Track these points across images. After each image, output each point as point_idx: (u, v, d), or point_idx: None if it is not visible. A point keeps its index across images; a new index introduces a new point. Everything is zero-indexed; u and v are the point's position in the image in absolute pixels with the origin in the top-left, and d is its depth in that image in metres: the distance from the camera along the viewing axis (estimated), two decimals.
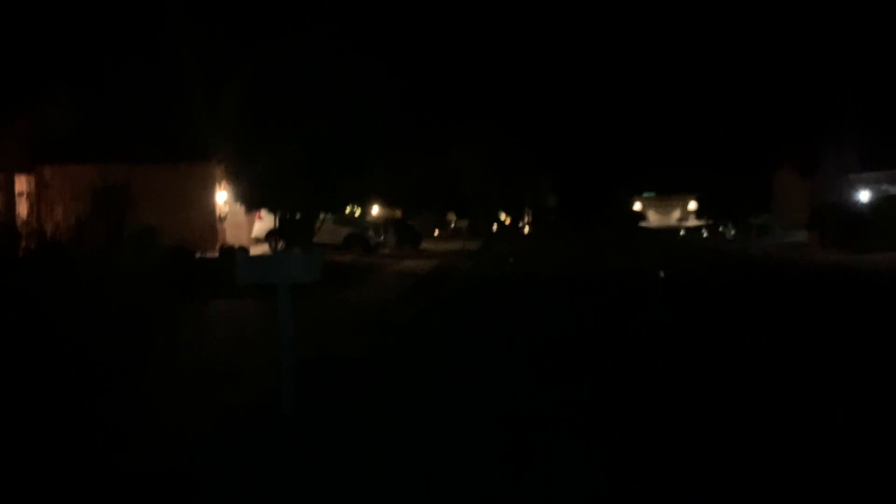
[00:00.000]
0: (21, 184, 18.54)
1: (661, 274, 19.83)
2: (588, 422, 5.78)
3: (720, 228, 43.07)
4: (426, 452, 5.08)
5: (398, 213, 42.64)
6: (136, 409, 5.82)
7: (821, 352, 8.63)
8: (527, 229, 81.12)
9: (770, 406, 6.21)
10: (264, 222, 24.75)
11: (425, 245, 33.56)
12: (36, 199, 14.99)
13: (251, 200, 18.41)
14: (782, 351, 8.73)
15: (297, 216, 19.63)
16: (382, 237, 26.92)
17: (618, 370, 7.62)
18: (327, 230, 23.81)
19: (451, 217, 57.99)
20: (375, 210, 36.07)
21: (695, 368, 7.77)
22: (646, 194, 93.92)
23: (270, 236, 24.04)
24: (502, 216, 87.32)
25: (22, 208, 11.07)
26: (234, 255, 17.34)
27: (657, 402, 6.36)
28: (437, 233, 46.45)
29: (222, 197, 24.16)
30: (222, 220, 24.82)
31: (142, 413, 5.72)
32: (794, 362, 8.07)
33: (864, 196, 30.17)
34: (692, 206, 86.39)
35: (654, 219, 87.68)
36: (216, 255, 19.72)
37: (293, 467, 4.62)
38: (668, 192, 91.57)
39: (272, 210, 19.37)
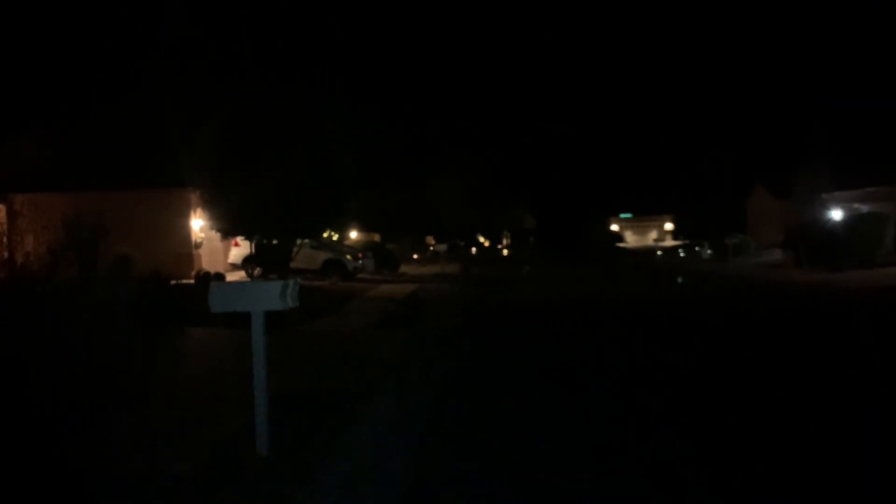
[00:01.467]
0: None
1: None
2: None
3: (696, 248, 43.46)
4: (405, 495, 4.96)
5: (377, 238, 42.57)
6: (102, 448, 5.58)
7: (784, 372, 8.65)
8: (505, 252, 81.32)
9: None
10: (241, 248, 24.56)
11: (404, 269, 33.45)
12: (7, 229, 14.66)
13: (227, 227, 18.21)
14: (751, 368, 8.76)
15: (274, 242, 19.47)
16: (361, 262, 26.78)
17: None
18: (305, 256, 23.64)
19: (430, 241, 58.04)
20: (354, 235, 35.97)
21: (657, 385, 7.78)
22: (623, 215, 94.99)
23: (247, 262, 23.84)
24: (481, 239, 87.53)
25: None
26: (209, 281, 17.19)
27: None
28: (416, 256, 46.39)
29: (198, 224, 23.94)
30: (198, 246, 24.58)
31: (107, 452, 5.46)
32: (763, 380, 8.08)
33: (836, 215, 30.61)
34: (669, 226, 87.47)
35: (631, 239, 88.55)
36: (192, 281, 19.51)
37: None
38: (645, 213, 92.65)
39: (248, 237, 19.19)
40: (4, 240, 14.45)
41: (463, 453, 5.78)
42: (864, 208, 29.81)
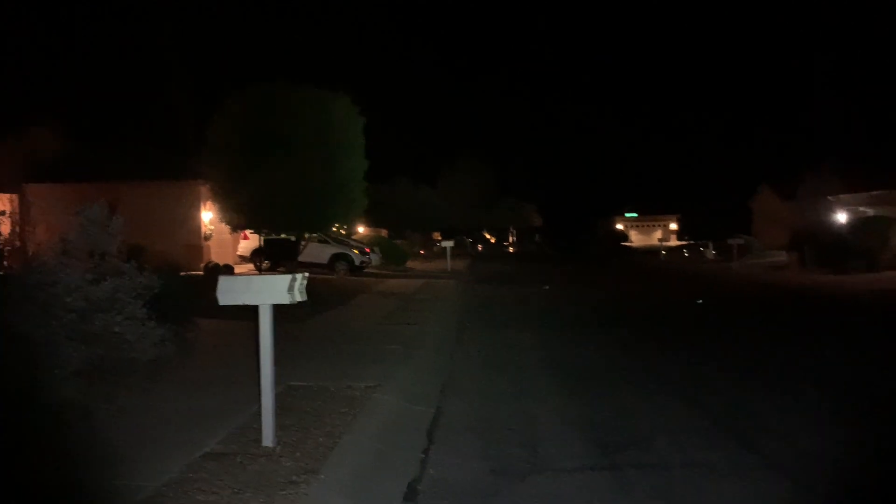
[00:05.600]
0: (4, 203, 18.49)
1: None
2: None
3: (701, 249, 43.53)
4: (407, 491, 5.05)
5: (384, 233, 42.79)
6: (101, 445, 5.46)
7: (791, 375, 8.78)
8: (511, 249, 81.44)
9: None
10: (250, 241, 24.81)
11: (411, 264, 33.59)
12: (19, 219, 14.89)
13: (237, 220, 18.42)
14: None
15: (282, 236, 19.66)
16: (368, 257, 26.97)
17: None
18: (313, 249, 23.87)
19: (437, 236, 58.22)
20: (361, 230, 36.16)
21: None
22: (628, 214, 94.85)
23: (255, 255, 24.08)
24: (487, 235, 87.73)
25: (4, 227, 11.00)
26: (218, 273, 17.39)
27: None
28: (422, 252, 46.57)
29: (208, 216, 24.19)
30: (208, 238, 24.84)
31: (108, 451, 5.32)
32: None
33: (842, 218, 30.61)
34: (673, 226, 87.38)
35: (636, 239, 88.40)
36: (201, 273, 19.73)
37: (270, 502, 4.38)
38: (651, 213, 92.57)
39: (257, 230, 19.39)
40: (17, 229, 14.67)
41: (467, 453, 5.96)
42: (870, 212, 29.81)
